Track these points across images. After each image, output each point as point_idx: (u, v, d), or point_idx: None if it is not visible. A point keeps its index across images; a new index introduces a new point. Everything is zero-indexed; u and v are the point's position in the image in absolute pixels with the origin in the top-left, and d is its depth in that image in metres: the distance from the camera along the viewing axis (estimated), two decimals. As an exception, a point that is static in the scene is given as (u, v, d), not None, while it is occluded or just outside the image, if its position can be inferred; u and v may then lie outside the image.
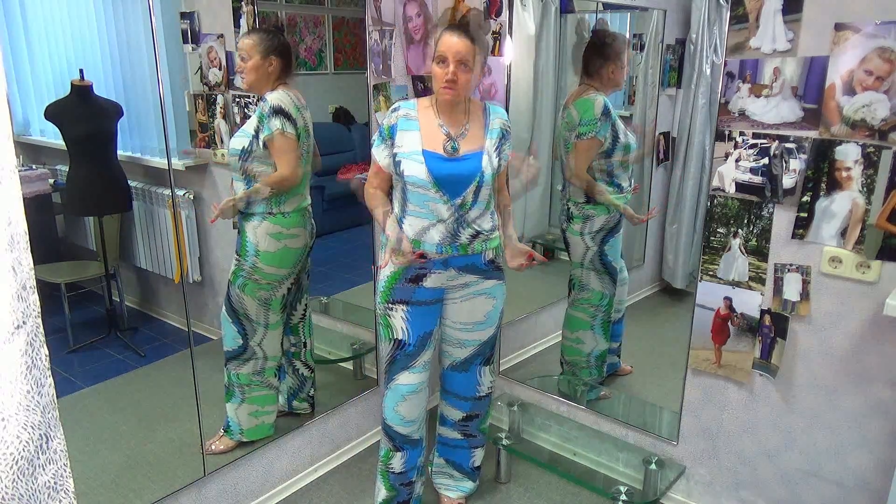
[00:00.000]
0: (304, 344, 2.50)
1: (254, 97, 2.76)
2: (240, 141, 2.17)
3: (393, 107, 1.98)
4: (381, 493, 2.24)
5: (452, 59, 1.82)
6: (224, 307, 2.30)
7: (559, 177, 3.12)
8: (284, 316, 2.38)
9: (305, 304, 2.47)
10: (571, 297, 2.68)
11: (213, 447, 2.31)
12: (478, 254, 1.99)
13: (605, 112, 2.37)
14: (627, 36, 2.74)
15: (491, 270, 2.05)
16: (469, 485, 2.39)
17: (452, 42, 1.82)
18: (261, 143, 2.14)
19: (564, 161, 2.54)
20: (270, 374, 2.38)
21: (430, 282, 1.99)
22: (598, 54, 2.44)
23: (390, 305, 2.03)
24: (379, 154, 1.97)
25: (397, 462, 2.18)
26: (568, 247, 2.62)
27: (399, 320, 2.03)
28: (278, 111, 2.13)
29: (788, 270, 1.95)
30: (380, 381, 2.79)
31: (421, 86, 2.63)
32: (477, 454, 2.36)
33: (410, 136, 1.92)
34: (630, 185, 2.54)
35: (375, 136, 2.00)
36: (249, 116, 2.63)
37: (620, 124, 2.42)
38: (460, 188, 1.89)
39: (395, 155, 1.93)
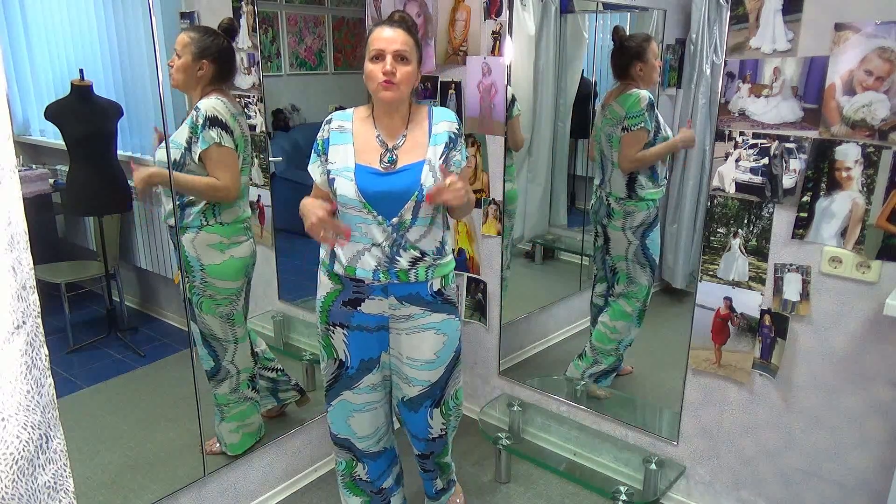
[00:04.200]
0: (257, 354, 2.41)
1: (254, 97, 2.76)
2: (170, 153, 2.02)
3: (326, 118, 1.81)
4: (354, 501, 2.12)
5: (389, 52, 1.65)
6: (196, 329, 2.22)
7: (560, 177, 3.13)
8: (247, 326, 2.31)
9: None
10: (618, 290, 2.69)
11: (212, 448, 2.32)
12: (422, 282, 1.79)
13: (650, 105, 2.44)
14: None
15: (439, 303, 1.84)
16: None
17: (387, 35, 1.67)
18: (195, 156, 2.00)
19: (606, 156, 2.57)
20: (245, 388, 2.32)
21: (367, 307, 1.81)
22: (622, 55, 2.49)
23: (330, 327, 1.87)
24: (314, 171, 1.80)
25: (361, 471, 2.06)
26: (608, 242, 2.65)
27: (340, 342, 1.88)
28: (214, 121, 1.98)
29: (788, 270, 1.95)
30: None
31: (421, 86, 2.63)
32: (437, 483, 2.23)
33: (343, 150, 1.74)
34: (666, 177, 2.60)
35: (312, 152, 1.82)
36: (250, 116, 2.63)
37: (661, 119, 2.47)
38: (396, 206, 1.70)
39: (328, 172, 1.75)
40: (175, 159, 2.02)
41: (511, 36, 2.49)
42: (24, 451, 0.97)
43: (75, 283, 2.92)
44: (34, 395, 0.99)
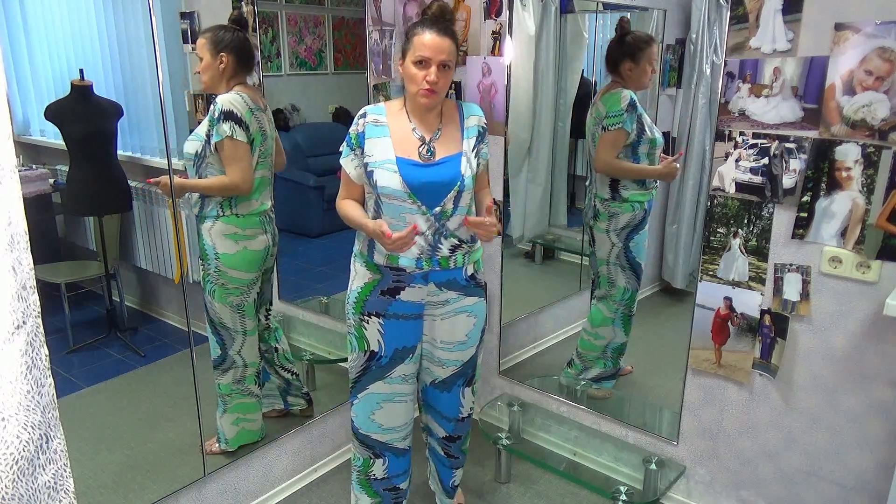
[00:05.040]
0: (276, 349, 2.47)
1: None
2: (192, 145, 2.11)
3: (360, 112, 1.84)
4: (364, 500, 2.12)
5: (436, 61, 1.70)
6: (205, 317, 2.28)
7: (560, 177, 3.13)
8: (259, 320, 2.35)
9: (267, 311, 2.44)
10: (599, 293, 2.68)
11: (212, 449, 2.33)
12: (459, 268, 1.87)
13: (631, 105, 2.39)
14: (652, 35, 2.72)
15: (472, 287, 1.93)
16: (447, 501, 2.32)
17: (435, 43, 1.70)
18: (212, 148, 2.08)
19: (593, 155, 2.56)
20: (251, 382, 2.34)
21: (406, 295, 1.86)
22: (616, 49, 2.46)
23: (364, 317, 1.90)
24: (348, 165, 1.84)
25: (379, 468, 2.07)
26: (594, 243, 2.63)
27: (374, 332, 1.90)
28: (228, 115, 2.04)
29: (788, 270, 1.95)
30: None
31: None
32: (457, 474, 2.26)
33: (381, 143, 1.79)
34: (655, 181, 2.55)
35: (343, 146, 1.86)
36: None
37: (647, 119, 2.44)
38: (439, 196, 1.77)
39: (366, 165, 1.79)
40: (196, 151, 2.10)
41: (511, 36, 2.49)
42: (24, 451, 0.97)
43: (75, 283, 2.92)
44: (34, 395, 0.99)
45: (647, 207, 2.53)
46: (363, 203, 1.89)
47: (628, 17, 2.65)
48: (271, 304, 2.48)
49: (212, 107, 2.07)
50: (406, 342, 1.93)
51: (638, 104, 2.42)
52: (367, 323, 1.91)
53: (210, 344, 2.29)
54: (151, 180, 2.13)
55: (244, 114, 2.07)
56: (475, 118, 1.88)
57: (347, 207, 1.88)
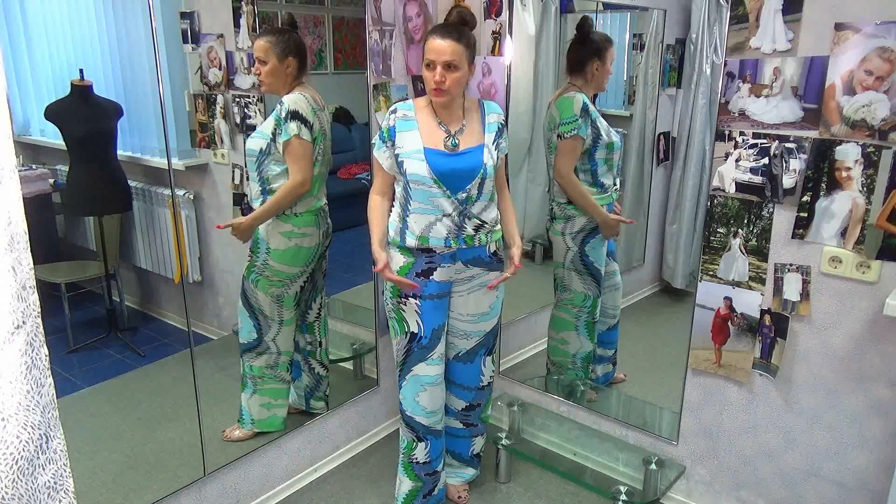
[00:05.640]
0: (320, 343, 2.53)
1: (254, 97, 2.76)
2: (257, 142, 2.19)
3: (391, 108, 2.03)
4: (406, 484, 2.26)
5: (440, 62, 1.86)
6: (240, 300, 2.34)
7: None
8: (298, 313, 2.42)
9: (321, 303, 2.50)
10: (556, 298, 2.69)
11: (231, 435, 2.37)
12: (483, 246, 2.04)
13: (584, 109, 2.36)
14: (622, 35, 2.73)
15: (494, 262, 2.11)
16: (470, 471, 2.44)
17: (438, 45, 1.87)
18: (279, 146, 2.16)
19: (549, 161, 2.54)
20: (283, 369, 2.42)
21: (438, 275, 2.03)
22: (583, 48, 2.44)
23: (402, 300, 2.07)
24: (381, 156, 2.02)
25: (421, 452, 2.21)
26: (551, 246, 2.62)
27: (413, 314, 2.07)
28: (295, 115, 2.14)
29: (788, 270, 1.95)
30: (380, 380, 2.79)
31: (421, 86, 2.63)
32: (477, 442, 2.41)
33: (410, 136, 1.96)
34: (615, 184, 2.53)
35: (376, 139, 2.04)
36: (249, 116, 2.64)
37: (603, 123, 2.41)
38: (463, 182, 1.94)
39: (396, 155, 1.97)
40: (261, 148, 2.20)
41: (511, 36, 2.49)
42: (24, 451, 0.97)
43: (75, 283, 2.92)
44: (34, 395, 0.99)
45: (606, 210, 2.50)
46: (392, 191, 2.07)
47: (590, 17, 2.65)
48: (324, 295, 2.53)
49: (278, 106, 2.16)
50: (440, 320, 2.11)
51: (591, 107, 2.39)
52: (405, 305, 2.07)
53: (242, 328, 2.36)
54: (221, 226, 2.25)
55: (308, 114, 2.16)
56: (495, 115, 2.05)
57: (374, 218, 2.07)
